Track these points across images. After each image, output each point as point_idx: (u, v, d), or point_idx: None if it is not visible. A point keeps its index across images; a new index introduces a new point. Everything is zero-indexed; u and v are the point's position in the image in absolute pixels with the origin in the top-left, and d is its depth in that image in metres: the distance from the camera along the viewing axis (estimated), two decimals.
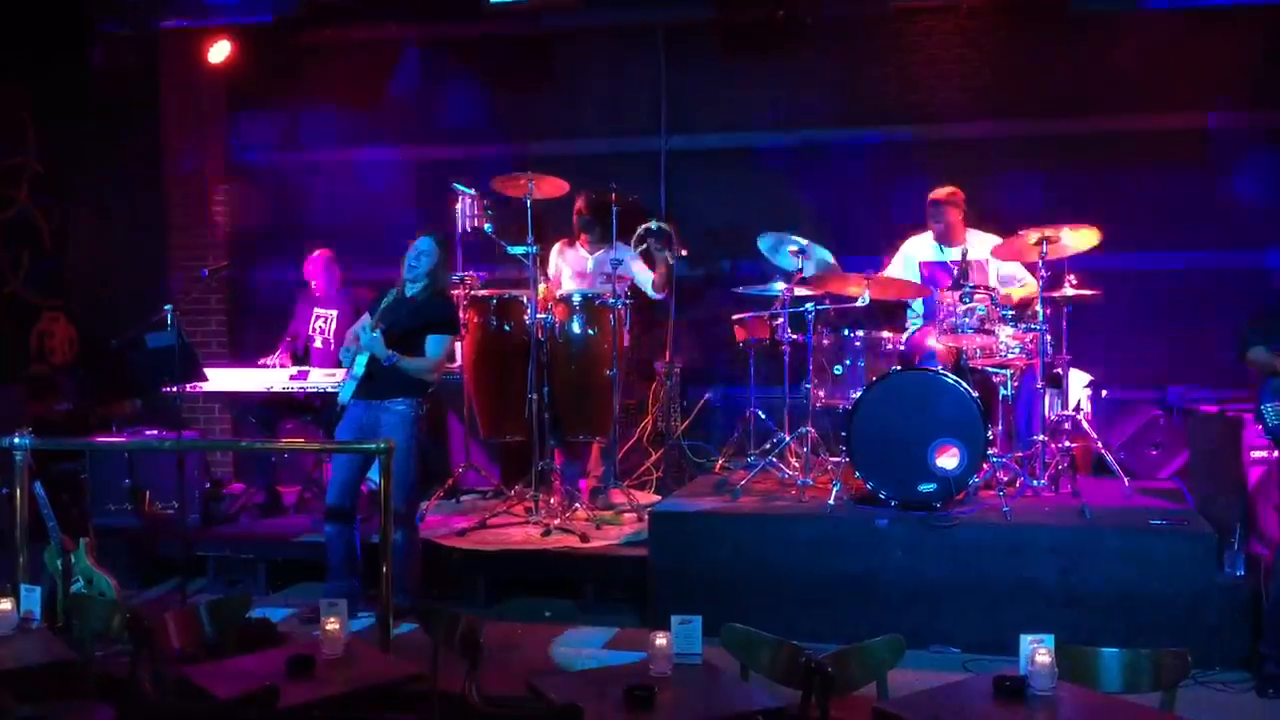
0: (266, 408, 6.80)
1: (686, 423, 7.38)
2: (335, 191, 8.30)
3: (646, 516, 5.81)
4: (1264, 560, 5.04)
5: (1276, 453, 4.79)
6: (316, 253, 7.10)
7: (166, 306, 5.84)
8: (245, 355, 7.75)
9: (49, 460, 6.02)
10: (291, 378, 6.54)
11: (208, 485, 6.89)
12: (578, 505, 6.41)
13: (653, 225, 6.77)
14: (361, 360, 5.44)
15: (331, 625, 3.67)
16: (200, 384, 6.36)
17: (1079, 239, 5.67)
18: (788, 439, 6.22)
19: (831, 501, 5.55)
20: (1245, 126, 7.09)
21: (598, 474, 6.84)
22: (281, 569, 6.32)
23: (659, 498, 6.64)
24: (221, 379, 6.65)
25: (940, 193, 6.30)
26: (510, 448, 6.87)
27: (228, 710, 3.20)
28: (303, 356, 6.93)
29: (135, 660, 3.85)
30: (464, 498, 6.99)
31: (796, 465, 6.19)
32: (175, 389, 5.76)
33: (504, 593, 5.97)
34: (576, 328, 6.43)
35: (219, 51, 7.83)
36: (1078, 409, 6.23)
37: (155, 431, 6.60)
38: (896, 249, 6.55)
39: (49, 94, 7.67)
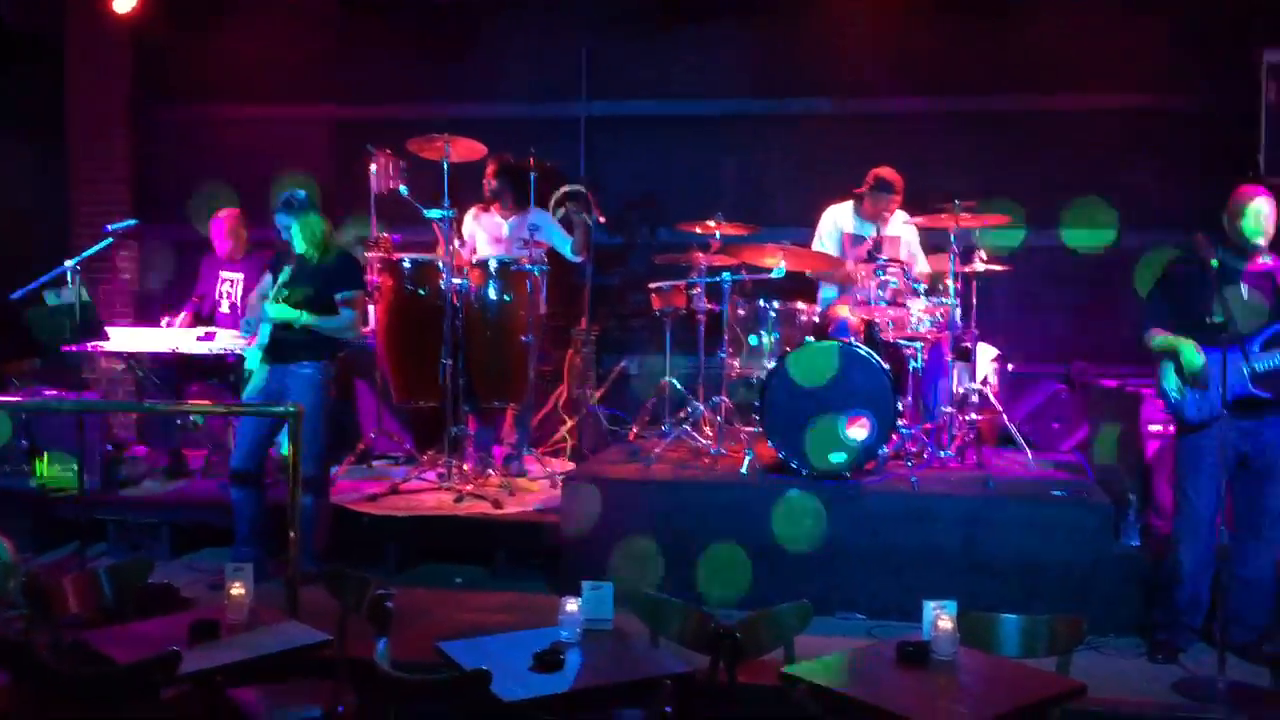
0: (171, 369, 6.63)
1: (602, 390, 7.38)
2: (248, 149, 8.10)
3: (560, 483, 5.80)
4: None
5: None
6: (222, 213, 6.88)
7: (68, 263, 5.67)
8: (152, 315, 7.54)
9: None
10: (199, 339, 6.38)
11: (109, 447, 6.71)
12: (491, 472, 6.38)
13: (569, 189, 6.73)
14: (266, 328, 5.36)
15: (236, 590, 3.62)
16: (102, 343, 6.19)
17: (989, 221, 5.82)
18: (702, 408, 6.25)
19: (744, 470, 5.60)
20: (1149, 108, 7.26)
21: (512, 441, 6.81)
22: (186, 533, 6.20)
23: (573, 465, 6.64)
24: (125, 339, 6.47)
25: (895, 177, 6.24)
26: (423, 413, 6.80)
27: (127, 675, 3.13)
28: (209, 318, 6.77)
29: (31, 624, 3.76)
30: (376, 463, 6.92)
31: (710, 434, 6.23)
32: (76, 348, 5.58)
33: (414, 559, 5.93)
34: (492, 293, 6.37)
35: (126, 0, 7.56)
36: (985, 382, 6.35)
37: (54, 392, 6.41)
38: (816, 221, 6.59)
39: None
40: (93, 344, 6.13)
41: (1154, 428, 5.54)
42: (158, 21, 7.79)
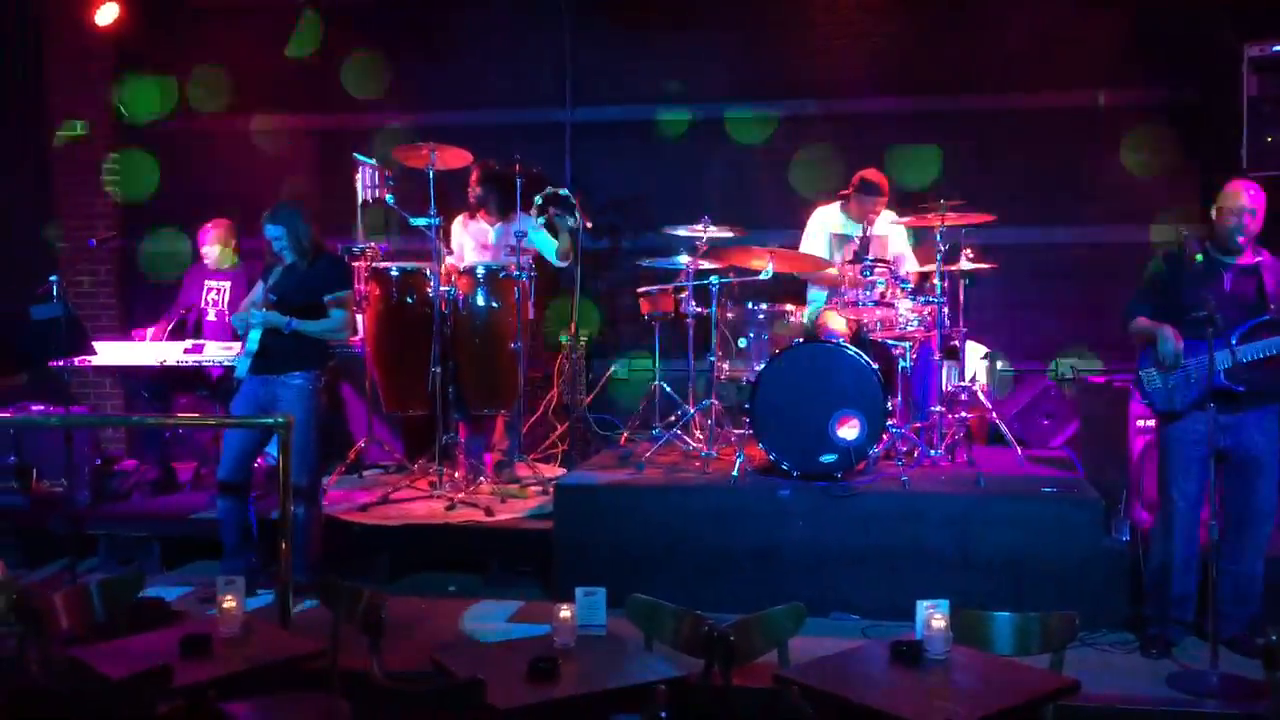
0: (160, 382, 6.61)
1: (592, 395, 7.38)
2: (232, 160, 8.08)
3: (551, 489, 5.79)
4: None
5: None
6: (211, 222, 6.91)
7: (52, 277, 5.65)
8: (138, 327, 7.52)
9: None
10: (186, 351, 6.37)
11: (98, 462, 6.68)
12: (482, 479, 6.38)
13: (551, 191, 6.71)
14: (255, 335, 5.35)
15: (228, 603, 3.60)
16: (89, 358, 6.16)
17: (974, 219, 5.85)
18: (692, 411, 6.25)
19: (735, 473, 5.60)
20: (1130, 104, 7.29)
21: (503, 447, 6.81)
22: (177, 547, 6.16)
23: (564, 470, 6.63)
24: (111, 353, 6.45)
25: (880, 179, 6.26)
26: (414, 422, 6.79)
27: (118, 691, 3.12)
28: (195, 329, 6.75)
29: (23, 641, 3.74)
30: (367, 472, 6.90)
31: (701, 437, 6.23)
32: (62, 362, 5.56)
33: (407, 568, 5.91)
34: (481, 300, 6.37)
35: (107, 14, 7.55)
36: (974, 380, 6.37)
37: (42, 407, 6.38)
38: (803, 222, 6.60)
39: None
40: (80, 358, 6.10)
41: (1142, 423, 5.55)
42: (138, 31, 7.77)
